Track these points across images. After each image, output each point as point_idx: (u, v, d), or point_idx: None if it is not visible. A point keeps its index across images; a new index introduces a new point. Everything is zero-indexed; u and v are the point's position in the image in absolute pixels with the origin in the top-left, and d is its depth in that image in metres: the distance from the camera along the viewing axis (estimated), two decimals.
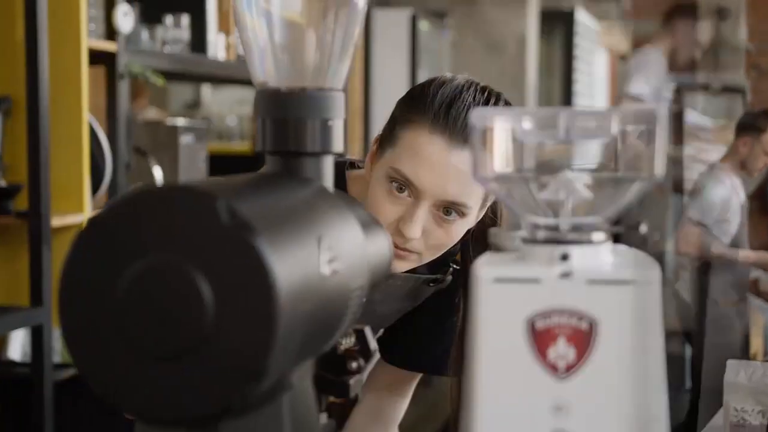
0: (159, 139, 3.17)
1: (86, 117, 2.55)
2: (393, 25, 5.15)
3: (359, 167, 1.45)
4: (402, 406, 1.56)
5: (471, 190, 1.24)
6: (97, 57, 2.69)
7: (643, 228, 4.30)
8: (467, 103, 1.24)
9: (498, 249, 0.76)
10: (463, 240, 1.35)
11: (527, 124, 0.68)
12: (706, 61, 9.45)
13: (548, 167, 0.71)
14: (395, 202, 1.26)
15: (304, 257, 0.64)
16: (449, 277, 1.44)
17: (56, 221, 2.45)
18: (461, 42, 5.72)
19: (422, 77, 6.22)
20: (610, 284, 0.65)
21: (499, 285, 0.66)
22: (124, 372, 0.61)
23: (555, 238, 0.68)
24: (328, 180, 0.80)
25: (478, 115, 0.69)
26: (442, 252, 1.31)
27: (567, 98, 7.57)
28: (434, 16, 5.41)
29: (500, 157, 0.69)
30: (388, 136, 1.29)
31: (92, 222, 0.62)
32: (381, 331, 1.53)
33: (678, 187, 4.28)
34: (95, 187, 2.65)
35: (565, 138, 0.68)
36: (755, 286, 4.80)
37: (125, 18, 2.69)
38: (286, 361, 0.63)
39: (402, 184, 1.25)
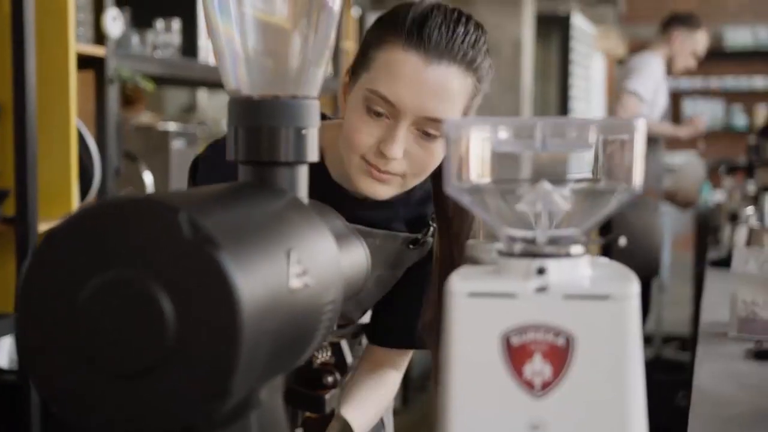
0: (150, 144, 3.15)
1: (74, 122, 2.53)
2: None
3: (329, 119, 1.45)
4: (397, 378, 1.54)
5: (450, 105, 1.24)
6: (86, 61, 2.67)
7: (623, 240, 4.30)
8: (439, 21, 1.24)
9: (475, 261, 0.74)
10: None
11: (503, 134, 0.66)
12: None
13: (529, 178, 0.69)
14: (373, 124, 1.25)
15: (272, 271, 0.62)
16: (430, 239, 1.42)
17: (44, 227, 2.42)
18: None
19: None
20: (587, 299, 0.63)
21: (473, 299, 0.64)
22: (84, 389, 0.59)
23: (532, 252, 0.66)
24: (303, 190, 0.78)
25: (452, 124, 0.67)
26: (425, 176, 1.30)
27: (563, 103, 7.55)
28: None
29: (476, 168, 0.67)
30: (361, 61, 1.29)
31: (51, 234, 0.59)
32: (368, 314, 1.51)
33: None
34: (84, 192, 2.63)
35: (542, 148, 0.66)
36: None
37: (114, 23, 2.66)
38: (252, 378, 0.61)
39: (380, 106, 1.24)
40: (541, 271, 0.64)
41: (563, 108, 7.55)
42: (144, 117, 4.57)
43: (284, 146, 0.77)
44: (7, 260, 2.46)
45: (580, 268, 0.66)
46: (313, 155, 0.79)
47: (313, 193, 0.79)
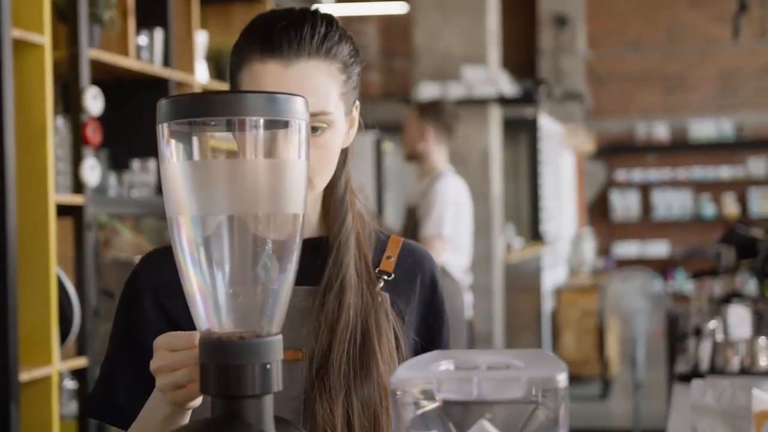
0: (127, 278, 3.21)
1: (54, 270, 2.60)
2: (357, 148, 5.27)
3: None
4: None
5: (321, 97, 1.26)
6: (65, 209, 2.76)
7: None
8: (285, 24, 1.26)
9: None
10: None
11: (445, 386, 0.75)
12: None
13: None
14: None
15: None
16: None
17: (24, 375, 2.47)
18: None
19: (389, 196, 6.33)
20: None
21: None
22: None
23: None
24: (268, 418, 0.87)
25: (399, 379, 0.75)
26: (329, 171, 1.30)
27: (534, 202, 7.69)
28: (398, 135, 5.54)
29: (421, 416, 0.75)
30: (233, 90, 1.30)
31: None
32: None
33: None
34: (64, 336, 2.69)
35: (478, 397, 0.74)
36: None
37: (92, 171, 2.76)
38: None
39: None
40: None
41: (533, 207, 7.68)
42: (126, 238, 4.63)
43: (251, 381, 0.86)
44: None
45: None
46: (278, 385, 0.87)
47: None
